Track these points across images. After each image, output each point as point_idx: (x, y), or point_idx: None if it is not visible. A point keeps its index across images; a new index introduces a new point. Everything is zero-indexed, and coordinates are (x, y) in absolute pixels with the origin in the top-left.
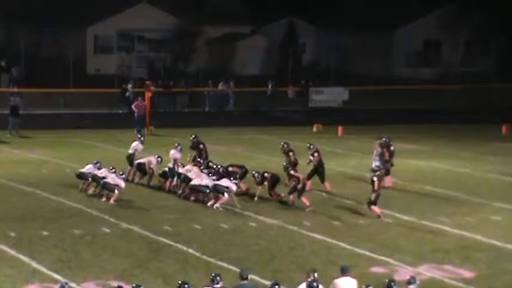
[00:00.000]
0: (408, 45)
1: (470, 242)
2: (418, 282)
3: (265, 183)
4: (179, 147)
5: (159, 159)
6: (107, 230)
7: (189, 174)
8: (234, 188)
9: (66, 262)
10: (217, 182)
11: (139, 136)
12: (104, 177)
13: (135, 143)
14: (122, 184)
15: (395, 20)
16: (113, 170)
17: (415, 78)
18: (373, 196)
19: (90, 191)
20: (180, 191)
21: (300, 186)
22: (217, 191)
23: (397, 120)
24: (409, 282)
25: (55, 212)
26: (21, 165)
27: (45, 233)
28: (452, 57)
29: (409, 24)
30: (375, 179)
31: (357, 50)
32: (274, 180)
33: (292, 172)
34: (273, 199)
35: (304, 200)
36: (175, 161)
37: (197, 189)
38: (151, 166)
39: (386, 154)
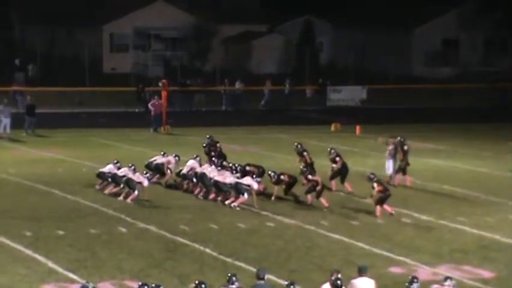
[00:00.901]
0: (427, 44)
1: (489, 242)
2: (454, 282)
3: (283, 186)
4: (198, 158)
5: (177, 158)
6: (124, 230)
7: (207, 172)
8: (255, 186)
9: (82, 262)
10: (239, 180)
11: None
12: (123, 176)
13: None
14: (145, 182)
15: (414, 19)
16: (133, 168)
17: (433, 78)
18: (378, 199)
19: (107, 191)
20: (197, 190)
21: (318, 188)
22: (238, 190)
23: (415, 120)
24: (445, 279)
25: (71, 211)
26: (37, 165)
27: (61, 232)
28: (471, 57)
29: (428, 23)
30: (375, 185)
31: (374, 49)
32: (292, 182)
33: (310, 177)
34: (290, 199)
35: (323, 200)
36: (191, 168)
37: (219, 187)
38: (170, 166)
39: (400, 154)
